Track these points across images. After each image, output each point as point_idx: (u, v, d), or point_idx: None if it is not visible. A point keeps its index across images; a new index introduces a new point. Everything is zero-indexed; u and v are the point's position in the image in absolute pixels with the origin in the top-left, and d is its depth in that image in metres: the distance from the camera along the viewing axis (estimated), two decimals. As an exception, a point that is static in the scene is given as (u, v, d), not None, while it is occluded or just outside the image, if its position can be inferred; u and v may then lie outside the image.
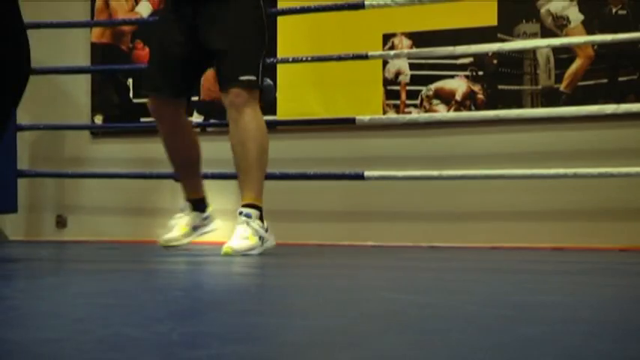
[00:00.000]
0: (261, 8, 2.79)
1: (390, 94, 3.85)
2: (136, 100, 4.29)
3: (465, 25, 3.70)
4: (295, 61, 3.75)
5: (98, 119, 4.38)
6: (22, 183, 4.18)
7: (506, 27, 3.68)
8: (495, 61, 3.72)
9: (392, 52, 3.70)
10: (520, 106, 3.65)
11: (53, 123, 4.29)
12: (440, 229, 3.72)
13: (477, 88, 3.73)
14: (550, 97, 3.62)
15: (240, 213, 2.67)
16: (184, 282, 1.78)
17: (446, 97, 3.77)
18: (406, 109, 3.82)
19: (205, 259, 2.52)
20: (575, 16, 3.60)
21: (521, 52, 3.65)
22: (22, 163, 4.22)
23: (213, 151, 3.39)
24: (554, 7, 3.63)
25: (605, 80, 3.55)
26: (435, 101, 3.79)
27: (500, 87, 3.71)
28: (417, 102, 3.81)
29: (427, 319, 1.08)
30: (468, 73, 3.75)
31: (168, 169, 3.81)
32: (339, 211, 3.90)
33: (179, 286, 1.64)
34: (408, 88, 3.83)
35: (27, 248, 3.58)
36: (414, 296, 1.41)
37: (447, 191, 3.70)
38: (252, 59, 2.73)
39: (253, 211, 2.67)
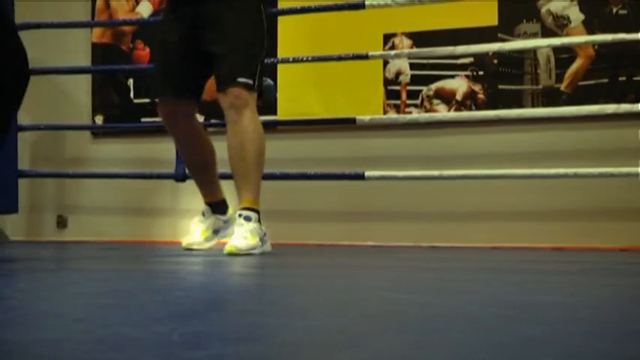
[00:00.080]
0: (261, 10, 2.79)
1: (391, 94, 3.85)
2: (136, 101, 4.30)
3: (465, 25, 3.70)
4: (296, 61, 3.75)
5: (99, 119, 4.38)
6: (22, 183, 4.18)
7: (506, 27, 3.68)
8: (496, 61, 3.72)
9: (392, 52, 3.70)
10: (520, 105, 3.65)
11: (54, 123, 4.29)
12: (440, 229, 3.72)
13: (477, 87, 3.73)
14: (550, 97, 3.62)
15: (240, 215, 2.67)
16: (184, 282, 1.78)
17: (446, 97, 3.77)
18: (407, 109, 3.82)
19: (205, 259, 2.52)
20: (576, 15, 3.60)
21: (522, 52, 3.65)
22: (23, 164, 4.22)
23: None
24: (555, 6, 3.63)
25: (605, 80, 3.55)
26: (435, 101, 3.79)
27: (500, 87, 3.71)
28: (418, 102, 3.81)
29: (427, 319, 1.08)
30: (468, 73, 3.75)
31: (169, 169, 3.83)
32: (340, 211, 3.90)
33: (179, 286, 1.64)
34: (408, 88, 3.83)
35: (27, 248, 3.58)
36: (414, 296, 1.41)
37: (448, 191, 3.70)
38: (251, 62, 2.73)
39: (253, 214, 2.67)
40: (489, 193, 3.66)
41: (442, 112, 3.74)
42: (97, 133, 4.41)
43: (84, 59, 4.39)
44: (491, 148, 3.70)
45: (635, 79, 3.51)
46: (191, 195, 3.57)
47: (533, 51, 3.63)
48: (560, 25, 3.62)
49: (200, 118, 4.08)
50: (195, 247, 2.94)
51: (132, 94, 4.30)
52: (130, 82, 4.30)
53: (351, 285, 1.70)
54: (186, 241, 2.99)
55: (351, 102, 3.85)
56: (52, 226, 4.45)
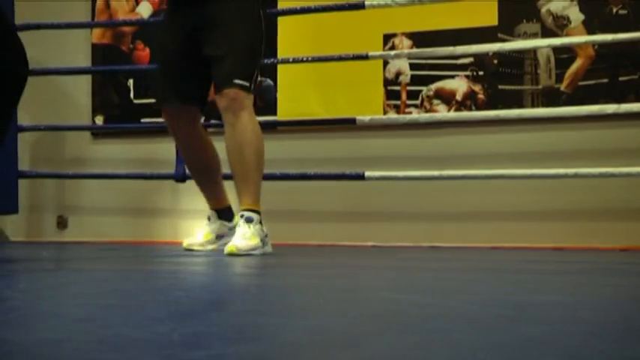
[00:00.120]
0: (259, 13, 2.79)
1: (391, 95, 3.85)
2: (136, 101, 4.30)
3: (465, 25, 3.70)
4: (296, 61, 3.75)
5: (99, 120, 4.38)
6: (22, 184, 4.18)
7: (506, 27, 3.68)
8: (496, 61, 3.72)
9: (392, 53, 3.70)
10: (521, 106, 3.66)
11: (54, 124, 4.29)
12: (440, 229, 3.72)
13: (477, 88, 3.73)
14: (550, 97, 3.62)
15: (242, 216, 2.67)
16: (185, 282, 1.78)
17: (446, 97, 3.78)
18: (407, 109, 3.82)
19: (205, 260, 2.52)
20: (576, 15, 3.60)
21: (522, 52, 3.65)
22: (23, 164, 4.22)
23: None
24: (555, 6, 3.63)
25: (605, 80, 3.55)
26: (435, 101, 3.79)
27: (500, 87, 3.71)
28: (418, 102, 3.81)
29: (427, 319, 1.08)
30: (468, 73, 3.75)
31: (169, 169, 3.83)
32: (340, 211, 3.91)
33: (179, 287, 1.64)
34: (408, 88, 3.83)
35: (28, 249, 3.58)
36: (414, 296, 1.41)
37: (448, 191, 3.70)
38: (247, 64, 2.73)
39: (255, 216, 2.68)
40: (489, 193, 3.66)
41: (442, 113, 3.74)
42: (97, 133, 4.42)
43: (84, 60, 4.39)
44: (491, 148, 3.70)
45: (635, 78, 3.51)
46: (191, 195, 3.58)
47: (533, 51, 3.63)
48: (560, 25, 3.62)
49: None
50: (195, 247, 2.94)
51: (132, 95, 4.30)
52: (130, 82, 4.30)
53: (351, 285, 1.70)
54: (187, 242, 3.00)
55: (351, 102, 3.85)
56: (52, 227, 4.45)
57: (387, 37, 3.86)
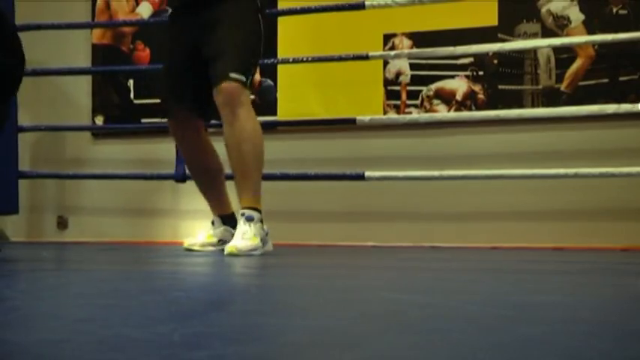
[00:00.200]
0: (258, 17, 2.79)
1: (391, 95, 3.85)
2: (136, 101, 4.30)
3: (465, 25, 3.70)
4: (296, 61, 3.75)
5: (99, 120, 4.38)
6: (23, 184, 4.18)
7: (506, 27, 3.68)
8: (496, 61, 3.72)
9: (392, 53, 3.70)
10: (521, 106, 3.66)
11: (54, 124, 4.29)
12: (440, 229, 3.72)
13: (477, 88, 3.73)
14: (551, 97, 3.62)
15: (243, 214, 2.67)
16: (185, 282, 1.78)
17: (446, 97, 3.78)
18: (407, 110, 3.82)
19: (205, 260, 2.52)
20: (576, 15, 3.60)
21: (522, 52, 3.65)
22: (23, 164, 4.22)
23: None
24: (555, 7, 3.63)
25: (605, 80, 3.55)
26: (435, 101, 3.79)
27: (500, 87, 3.71)
28: (418, 102, 3.81)
29: (427, 319, 1.08)
30: (468, 73, 3.75)
31: (169, 169, 3.83)
32: (340, 211, 3.91)
33: (180, 287, 1.64)
34: (408, 88, 3.83)
35: (28, 249, 3.58)
36: (414, 296, 1.41)
37: (448, 191, 3.70)
38: (244, 60, 2.71)
39: (255, 214, 2.67)
40: (489, 194, 3.66)
41: (442, 113, 3.74)
42: (97, 133, 4.42)
43: (84, 60, 4.39)
44: (491, 148, 3.70)
45: (635, 78, 3.51)
46: (191, 195, 3.58)
47: (534, 51, 3.63)
48: (560, 25, 3.62)
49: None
50: (195, 248, 2.95)
51: (132, 95, 4.30)
52: (130, 82, 4.30)
53: (351, 285, 1.70)
54: (188, 242, 3.00)
55: (351, 102, 3.85)
56: (52, 227, 4.45)
57: (387, 37, 3.86)
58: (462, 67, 3.75)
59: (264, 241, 2.68)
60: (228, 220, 2.95)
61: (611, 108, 3.30)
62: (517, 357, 0.78)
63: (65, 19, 4.16)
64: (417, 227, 3.77)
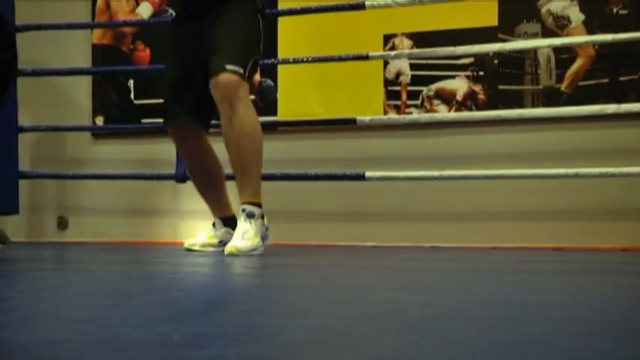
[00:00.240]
0: (258, 18, 2.79)
1: (391, 95, 3.85)
2: (136, 102, 4.30)
3: (465, 25, 3.70)
4: (296, 61, 3.75)
5: (99, 120, 4.38)
6: (23, 184, 4.18)
7: (506, 27, 3.68)
8: (496, 61, 3.72)
9: (392, 53, 3.70)
10: (521, 106, 3.66)
11: (54, 124, 4.29)
12: (440, 230, 3.73)
13: (477, 88, 3.73)
14: (551, 97, 3.62)
15: (243, 210, 2.67)
16: (185, 282, 1.78)
17: (447, 98, 3.78)
18: (407, 110, 3.82)
19: (205, 260, 2.52)
20: (576, 15, 3.60)
21: (522, 52, 3.65)
22: (24, 165, 4.22)
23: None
24: (555, 7, 3.63)
25: (605, 80, 3.55)
26: (435, 101, 3.79)
27: (501, 87, 3.71)
28: (418, 102, 3.81)
29: (427, 319, 1.08)
30: (468, 73, 3.75)
31: (169, 170, 3.83)
32: (340, 211, 3.91)
33: (180, 287, 1.64)
34: (408, 88, 3.83)
35: (28, 249, 3.58)
36: (414, 296, 1.41)
37: (448, 191, 3.70)
38: (242, 54, 2.69)
39: (256, 210, 2.67)
40: (489, 194, 3.66)
41: (442, 113, 3.74)
42: (97, 134, 4.42)
43: (84, 60, 4.39)
44: (491, 148, 3.70)
45: (635, 78, 3.51)
46: (191, 196, 3.57)
47: (534, 51, 3.63)
48: (560, 26, 3.63)
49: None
50: (196, 248, 2.95)
51: (132, 95, 4.30)
52: (131, 83, 4.30)
53: (351, 285, 1.70)
54: (188, 242, 3.00)
55: (351, 102, 3.85)
56: (52, 227, 4.45)
57: (388, 38, 3.86)
58: (463, 68, 3.75)
59: (264, 237, 2.68)
60: (229, 222, 2.96)
61: (611, 108, 3.30)
62: (517, 357, 0.78)
63: (65, 19, 4.16)
64: (417, 227, 3.77)
